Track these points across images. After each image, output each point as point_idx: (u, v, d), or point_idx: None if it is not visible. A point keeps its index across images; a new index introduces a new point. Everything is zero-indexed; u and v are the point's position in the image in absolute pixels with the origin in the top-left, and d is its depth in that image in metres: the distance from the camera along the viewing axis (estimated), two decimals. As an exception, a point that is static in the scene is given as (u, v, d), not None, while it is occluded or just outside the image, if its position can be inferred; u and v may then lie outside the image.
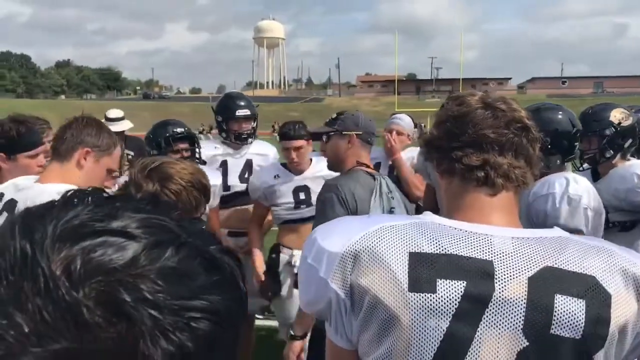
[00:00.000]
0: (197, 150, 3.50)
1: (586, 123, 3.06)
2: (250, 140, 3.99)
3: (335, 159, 2.77)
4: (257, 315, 4.72)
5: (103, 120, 5.92)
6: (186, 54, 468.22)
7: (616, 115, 3.03)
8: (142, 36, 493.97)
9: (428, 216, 1.14)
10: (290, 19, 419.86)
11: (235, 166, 3.97)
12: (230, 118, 3.91)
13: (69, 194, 0.52)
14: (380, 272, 1.04)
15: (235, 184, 3.96)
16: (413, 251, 1.05)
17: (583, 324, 1.00)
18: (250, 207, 4.00)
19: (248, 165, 4.00)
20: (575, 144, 2.46)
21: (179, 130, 3.46)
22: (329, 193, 2.57)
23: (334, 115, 2.86)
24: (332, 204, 2.53)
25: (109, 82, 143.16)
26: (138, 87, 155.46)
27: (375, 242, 1.07)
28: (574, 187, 2.26)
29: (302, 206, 3.65)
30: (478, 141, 1.13)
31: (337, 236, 1.11)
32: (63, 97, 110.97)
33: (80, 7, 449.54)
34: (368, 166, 2.74)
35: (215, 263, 0.51)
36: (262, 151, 4.08)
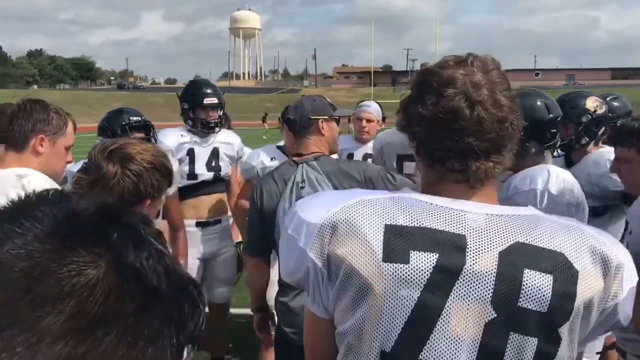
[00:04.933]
0: (152, 140, 3.44)
1: (562, 110, 3.12)
2: (217, 129, 3.95)
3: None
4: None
5: None
6: (161, 44, 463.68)
7: (592, 103, 3.08)
8: (117, 26, 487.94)
9: (406, 192, 1.16)
10: (267, 9, 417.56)
11: (202, 154, 3.92)
12: (197, 106, 3.85)
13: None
14: (356, 242, 1.08)
15: (202, 173, 3.93)
16: (389, 223, 1.08)
17: (549, 298, 1.04)
18: (218, 195, 4.00)
19: (215, 153, 3.96)
20: (553, 130, 2.42)
21: (135, 118, 3.39)
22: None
23: None
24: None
25: (82, 72, 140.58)
26: (112, 78, 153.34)
27: (353, 214, 1.10)
28: (556, 182, 2.24)
29: None
30: (462, 148, 1.11)
31: (317, 208, 1.15)
32: (35, 87, 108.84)
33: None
34: (300, 154, 2.65)
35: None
36: (228, 140, 4.04)
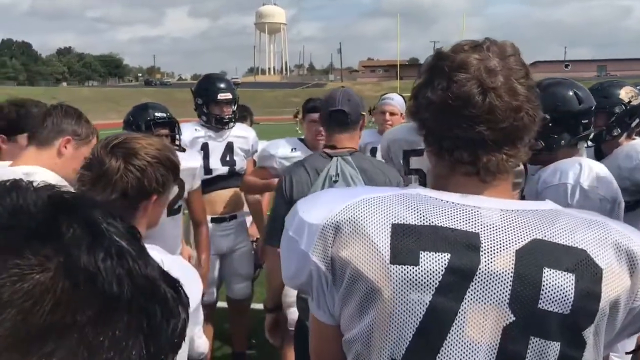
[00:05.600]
0: (177, 136, 3.40)
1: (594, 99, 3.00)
2: (231, 124, 3.91)
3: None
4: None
5: None
6: (187, 41, 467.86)
7: (626, 94, 2.95)
8: (144, 23, 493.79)
9: (414, 188, 1.09)
10: (292, 3, 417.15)
11: (216, 149, 3.89)
12: (211, 101, 3.81)
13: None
14: (362, 243, 1.01)
15: (217, 167, 3.89)
16: (396, 222, 1.01)
17: (572, 299, 0.97)
18: (233, 190, 3.96)
19: (229, 148, 3.93)
20: (584, 121, 2.27)
21: (159, 115, 3.34)
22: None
23: None
24: (276, 193, 2.59)
25: (110, 69, 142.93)
26: (139, 74, 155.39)
27: (358, 214, 1.03)
28: (589, 176, 2.13)
29: None
30: (471, 138, 1.03)
31: (319, 208, 1.08)
32: (65, 84, 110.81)
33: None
34: (334, 147, 2.59)
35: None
36: (242, 134, 4.01)
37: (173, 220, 3.20)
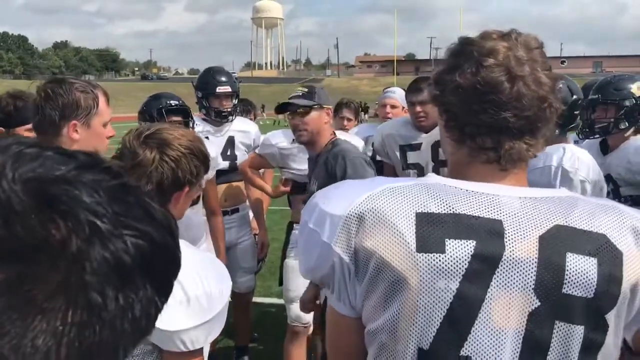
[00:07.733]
0: (190, 124, 3.39)
1: (604, 91, 2.97)
2: (231, 117, 3.86)
3: (317, 132, 2.88)
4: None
5: None
6: (184, 35, 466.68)
7: (638, 88, 2.94)
8: (140, 17, 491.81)
9: (432, 177, 1.09)
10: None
11: (217, 144, 3.81)
12: (210, 94, 3.77)
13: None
14: (387, 233, 1.00)
15: (218, 162, 3.79)
16: (420, 211, 1.01)
17: (595, 283, 0.98)
18: (235, 184, 3.94)
19: (230, 142, 3.89)
20: (575, 112, 2.45)
21: (172, 102, 3.34)
22: (358, 158, 2.72)
23: (306, 89, 2.93)
24: (364, 166, 2.67)
25: (107, 63, 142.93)
26: (136, 69, 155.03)
27: (381, 203, 1.03)
28: (570, 158, 2.28)
29: None
30: (496, 124, 1.04)
31: (340, 199, 1.07)
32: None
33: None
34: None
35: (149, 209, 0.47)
36: (244, 128, 3.97)
37: (192, 210, 3.19)
